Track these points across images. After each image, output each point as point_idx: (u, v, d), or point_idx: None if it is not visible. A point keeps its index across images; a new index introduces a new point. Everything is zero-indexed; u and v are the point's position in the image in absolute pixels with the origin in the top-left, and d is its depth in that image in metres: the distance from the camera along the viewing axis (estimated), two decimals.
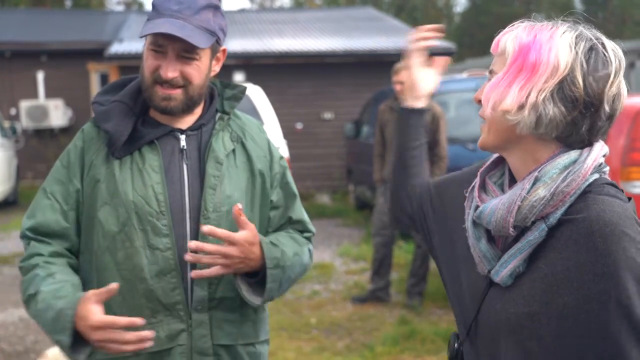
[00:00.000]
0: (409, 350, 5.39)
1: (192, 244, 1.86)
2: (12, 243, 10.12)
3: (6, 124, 13.91)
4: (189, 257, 1.87)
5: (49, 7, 29.95)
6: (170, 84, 1.93)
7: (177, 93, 1.95)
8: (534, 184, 1.37)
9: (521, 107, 1.37)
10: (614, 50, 1.40)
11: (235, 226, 1.97)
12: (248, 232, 1.91)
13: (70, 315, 1.79)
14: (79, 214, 1.99)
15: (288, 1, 48.05)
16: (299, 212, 2.19)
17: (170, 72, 1.91)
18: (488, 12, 41.14)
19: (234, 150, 2.05)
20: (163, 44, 1.90)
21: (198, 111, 2.06)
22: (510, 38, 1.42)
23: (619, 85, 1.39)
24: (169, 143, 2.01)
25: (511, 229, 1.38)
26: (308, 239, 2.21)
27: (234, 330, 2.01)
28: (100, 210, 1.95)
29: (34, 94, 16.33)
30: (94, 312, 1.78)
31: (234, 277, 1.98)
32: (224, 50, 2.06)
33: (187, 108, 2.00)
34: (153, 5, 1.94)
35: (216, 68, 2.05)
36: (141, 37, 1.90)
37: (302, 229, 2.21)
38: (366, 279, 7.38)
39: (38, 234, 1.99)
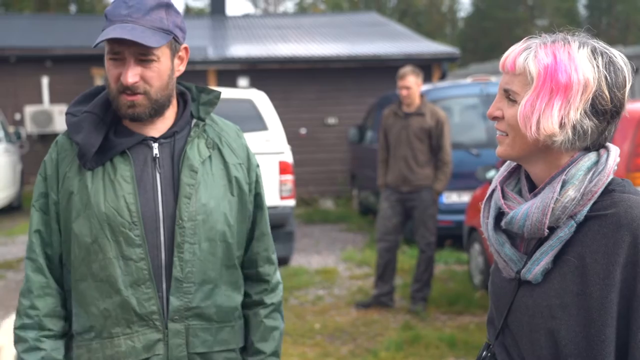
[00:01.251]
0: (412, 355, 5.39)
1: None
2: (17, 248, 10.13)
3: (11, 129, 13.95)
4: None
5: (54, 12, 30.03)
6: (131, 90, 1.91)
7: (140, 99, 1.93)
8: (563, 186, 1.49)
9: (562, 126, 1.47)
10: (622, 58, 1.51)
11: (211, 233, 1.98)
12: None
13: None
14: (59, 226, 2.00)
15: (292, 6, 48.14)
16: (265, 226, 2.17)
17: (131, 77, 1.89)
18: (492, 17, 41.13)
19: (210, 157, 2.03)
20: (119, 50, 1.89)
21: (171, 117, 2.04)
22: (530, 59, 1.49)
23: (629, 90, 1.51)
24: (141, 152, 1.99)
25: (546, 230, 1.49)
26: (274, 288, 2.19)
27: (210, 337, 2.01)
28: (75, 222, 1.95)
29: (38, 99, 16.38)
30: None
31: (214, 291, 2.01)
32: (186, 48, 2.03)
33: (155, 112, 1.98)
34: (105, 15, 1.94)
35: (181, 67, 2.02)
36: (93, 47, 1.91)
37: (266, 247, 2.17)
38: (370, 284, 7.37)
39: (38, 239, 2.01)
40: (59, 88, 16.40)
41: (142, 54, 1.89)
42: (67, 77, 16.46)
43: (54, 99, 16.37)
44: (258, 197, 2.14)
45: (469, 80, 10.39)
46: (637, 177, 4.42)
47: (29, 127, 15.78)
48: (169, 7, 1.95)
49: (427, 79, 13.76)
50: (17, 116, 16.31)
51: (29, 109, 15.83)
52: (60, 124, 15.79)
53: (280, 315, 2.20)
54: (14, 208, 13.42)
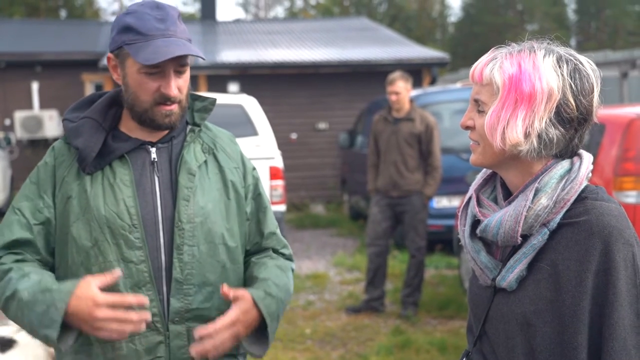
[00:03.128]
0: None
1: (198, 333, 1.88)
2: None
3: (0, 135, 13.90)
4: (195, 351, 1.89)
5: (44, 17, 29.96)
6: (171, 100, 1.95)
7: (175, 108, 1.98)
8: (535, 194, 1.49)
9: (527, 135, 1.48)
10: (590, 65, 1.51)
11: (210, 235, 2.00)
12: (241, 304, 1.94)
13: (62, 308, 1.80)
14: (48, 230, 1.99)
15: (282, 12, 48.19)
16: (272, 224, 2.20)
17: (174, 89, 1.94)
18: (482, 22, 41.29)
19: (205, 162, 2.06)
20: (161, 64, 1.91)
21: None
22: (496, 69, 1.51)
23: (598, 96, 1.51)
24: (140, 156, 2.02)
25: (519, 238, 1.50)
26: (289, 257, 2.22)
27: None
28: (73, 226, 1.96)
29: (28, 105, 16.32)
30: (98, 291, 1.80)
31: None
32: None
33: (181, 119, 2.03)
34: (130, 27, 1.93)
35: None
36: (153, 65, 1.88)
37: (277, 244, 2.20)
38: (361, 289, 7.37)
39: (7, 247, 1.98)
40: (49, 93, 16.36)
41: (181, 66, 1.94)
42: (57, 83, 16.42)
43: (44, 105, 16.32)
44: (259, 198, 2.17)
45: (458, 85, 10.43)
46: (625, 181, 4.45)
47: (19, 133, 15.72)
48: (180, 16, 2.01)
49: (417, 83, 13.80)
50: (7, 122, 16.25)
51: (19, 115, 15.77)
52: (50, 130, 15.75)
53: (292, 274, 2.21)
54: (4, 214, 13.35)
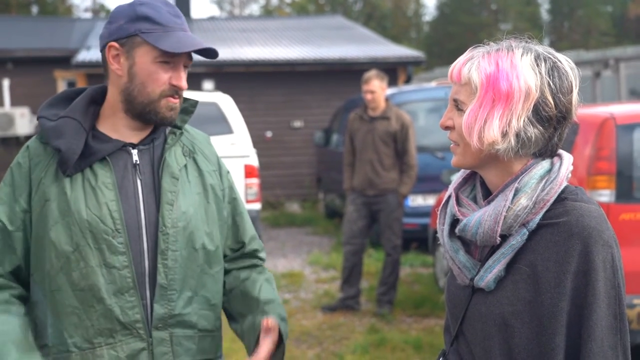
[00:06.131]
0: (378, 358, 5.39)
1: None
2: None
3: None
4: None
5: (15, 13, 29.61)
6: (179, 94, 1.96)
7: (179, 102, 1.98)
8: (515, 194, 1.48)
9: (505, 134, 1.47)
10: (568, 63, 1.50)
11: (191, 240, 1.97)
12: (273, 335, 1.96)
13: None
14: (26, 234, 1.93)
15: (257, 9, 48.08)
16: (250, 228, 2.20)
17: (184, 81, 1.96)
18: (457, 21, 41.53)
19: (185, 166, 2.03)
20: (176, 56, 1.91)
21: (150, 124, 2.03)
22: (474, 68, 1.50)
23: (577, 94, 1.51)
24: (121, 158, 1.96)
25: (498, 238, 1.49)
26: (263, 260, 2.23)
27: (193, 346, 2.00)
28: (51, 230, 1.89)
29: None
30: None
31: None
32: None
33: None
34: (147, 17, 1.91)
35: None
36: (169, 55, 1.89)
37: (258, 246, 2.21)
38: (336, 287, 7.37)
39: None
40: (21, 90, 16.17)
41: (189, 60, 1.96)
42: (28, 80, 16.23)
43: (15, 102, 16.13)
44: (235, 202, 2.14)
45: (433, 84, 10.46)
46: (598, 180, 4.48)
47: None
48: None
49: (393, 82, 13.83)
50: None
51: None
52: (21, 127, 15.56)
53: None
54: None
